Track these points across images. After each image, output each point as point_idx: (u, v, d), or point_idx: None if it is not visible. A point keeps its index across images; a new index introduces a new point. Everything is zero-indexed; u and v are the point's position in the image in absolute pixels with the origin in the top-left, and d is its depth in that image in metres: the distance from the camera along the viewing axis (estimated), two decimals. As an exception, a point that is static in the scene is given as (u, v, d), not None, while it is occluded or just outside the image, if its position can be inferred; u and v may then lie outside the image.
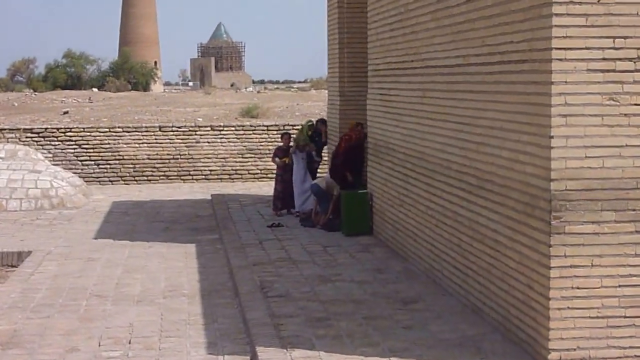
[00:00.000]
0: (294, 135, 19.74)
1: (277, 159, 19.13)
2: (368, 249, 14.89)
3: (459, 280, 11.19)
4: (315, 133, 19.62)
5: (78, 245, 16.29)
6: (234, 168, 26.40)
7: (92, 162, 25.87)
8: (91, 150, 25.89)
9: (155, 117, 35.91)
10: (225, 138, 26.60)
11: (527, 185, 8.97)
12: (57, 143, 25.77)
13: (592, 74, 8.43)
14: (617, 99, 8.48)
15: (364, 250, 14.81)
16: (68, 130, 26.07)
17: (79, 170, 25.44)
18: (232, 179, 26.30)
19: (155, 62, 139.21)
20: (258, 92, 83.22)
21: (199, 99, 54.68)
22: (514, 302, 9.41)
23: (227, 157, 26.47)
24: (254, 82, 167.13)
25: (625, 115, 8.48)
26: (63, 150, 25.75)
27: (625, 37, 8.44)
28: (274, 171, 19.98)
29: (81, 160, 25.81)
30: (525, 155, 9.03)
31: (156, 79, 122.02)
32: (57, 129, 26.14)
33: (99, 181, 25.73)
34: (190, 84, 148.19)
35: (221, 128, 26.81)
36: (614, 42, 8.44)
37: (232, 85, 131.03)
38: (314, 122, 20.10)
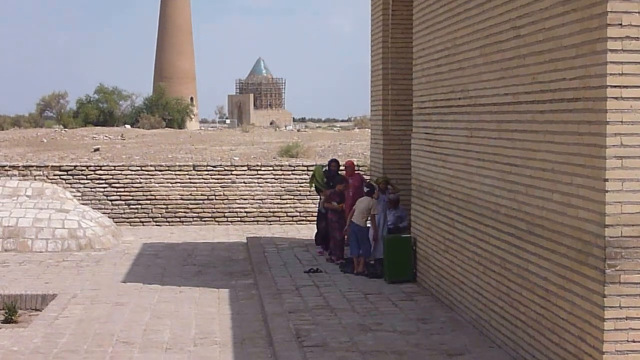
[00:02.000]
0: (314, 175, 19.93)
1: (334, 204, 18.61)
2: (411, 297, 14.84)
3: (507, 332, 11.11)
4: (329, 177, 19.72)
5: (105, 288, 16.40)
6: (271, 210, 26.47)
7: (123, 202, 26.07)
8: (122, 190, 26.11)
9: (189, 155, 36.13)
10: (263, 178, 26.71)
11: (580, 230, 8.92)
12: (86, 181, 26.03)
13: (650, 113, 8.40)
14: (676, 140, 8.42)
15: (407, 299, 14.76)
16: (98, 168, 26.33)
17: (109, 210, 25.66)
18: (269, 221, 26.36)
19: (192, 98, 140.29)
20: (298, 130, 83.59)
21: (236, 137, 54.99)
22: (565, 356, 9.32)
23: (264, 198, 26.56)
24: (294, 120, 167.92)
25: (685, 157, 8.43)
26: (92, 189, 26.00)
27: (685, 75, 8.40)
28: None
29: (111, 200, 26.03)
30: (578, 199, 8.98)
31: (192, 116, 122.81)
32: (87, 166, 26.41)
33: (129, 222, 25.91)
34: (228, 121, 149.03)
35: (258, 168, 26.92)
36: (673, 79, 8.41)
37: (271, 123, 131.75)
38: (327, 166, 20.25)
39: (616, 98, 8.39)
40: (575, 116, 9.05)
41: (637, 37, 8.37)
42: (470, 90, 12.63)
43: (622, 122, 8.39)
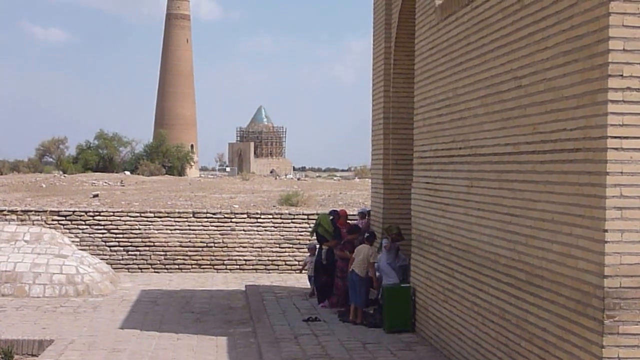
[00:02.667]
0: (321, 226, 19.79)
1: (347, 252, 18.37)
2: (410, 347, 14.82)
3: (506, 383, 11.10)
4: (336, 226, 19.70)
5: (103, 334, 16.37)
6: (270, 258, 26.48)
7: (121, 248, 26.10)
8: (120, 236, 26.14)
9: (189, 202, 36.20)
10: (262, 226, 26.75)
11: (579, 281, 8.96)
12: (84, 227, 26.06)
13: (650, 164, 8.47)
14: (676, 192, 8.48)
15: (405, 348, 14.74)
16: (97, 213, 26.38)
17: (107, 256, 25.66)
18: (268, 269, 26.36)
19: (192, 146, 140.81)
20: (298, 179, 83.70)
21: (236, 185, 55.10)
22: (564, 407, 9.31)
23: (264, 247, 26.58)
24: (294, 168, 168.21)
25: (685, 209, 8.48)
26: (91, 235, 26.02)
27: (685, 127, 8.48)
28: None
29: (109, 246, 26.05)
30: (577, 249, 9.03)
31: (192, 163, 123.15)
32: (86, 212, 26.46)
33: (127, 268, 25.91)
34: (228, 169, 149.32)
35: (258, 216, 26.96)
36: (673, 131, 8.49)
37: (271, 172, 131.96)
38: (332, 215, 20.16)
39: (616, 149, 8.46)
40: (576, 166, 9.12)
41: (638, 89, 8.47)
42: (471, 140, 12.72)
43: (622, 172, 8.46)
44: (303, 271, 21.69)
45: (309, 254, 21.12)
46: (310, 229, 26.11)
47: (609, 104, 8.45)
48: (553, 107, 9.71)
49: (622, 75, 8.43)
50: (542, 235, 9.96)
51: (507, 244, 11.08)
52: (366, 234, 17.79)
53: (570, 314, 9.18)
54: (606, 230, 8.45)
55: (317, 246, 20.13)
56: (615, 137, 8.45)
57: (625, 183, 8.46)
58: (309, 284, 21.01)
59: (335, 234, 19.34)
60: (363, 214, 21.17)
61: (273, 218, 26.89)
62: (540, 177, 10.10)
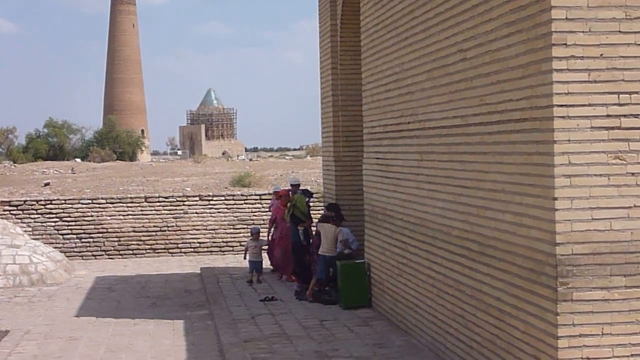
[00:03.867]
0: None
1: None
2: (367, 323, 14.84)
3: (463, 353, 11.14)
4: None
5: (59, 323, 16.23)
6: (224, 240, 26.41)
7: (74, 236, 25.87)
8: (73, 223, 25.90)
9: (141, 187, 35.96)
10: (215, 208, 26.66)
11: (532, 250, 8.99)
12: (36, 216, 25.80)
13: (597, 131, 8.50)
14: (623, 158, 8.53)
15: (363, 324, 14.75)
16: (48, 202, 26.12)
17: (60, 245, 25.44)
18: (223, 251, 26.28)
19: (143, 131, 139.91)
20: (250, 160, 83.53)
21: (188, 168, 54.87)
22: (521, 375, 9.36)
23: (217, 229, 26.50)
24: (246, 150, 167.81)
25: (633, 174, 8.53)
26: (43, 224, 25.76)
27: (630, 93, 8.52)
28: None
29: (62, 234, 25.81)
30: (529, 218, 9.06)
31: (143, 148, 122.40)
32: (37, 201, 26.19)
33: (81, 256, 25.70)
34: (179, 152, 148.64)
35: (210, 198, 26.87)
36: (618, 97, 8.52)
37: (223, 154, 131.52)
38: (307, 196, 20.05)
39: (563, 117, 8.47)
40: (524, 136, 9.13)
41: (582, 57, 8.48)
42: (419, 114, 12.71)
43: (569, 140, 8.47)
44: (245, 257, 20.61)
45: (251, 237, 20.69)
46: (262, 209, 26.13)
47: (554, 73, 8.45)
48: (499, 78, 9.71)
49: (565, 44, 8.44)
50: (494, 205, 9.97)
51: (460, 215, 11.10)
52: (331, 213, 17.68)
53: (524, 283, 9.21)
54: (556, 199, 8.47)
55: (259, 230, 20.74)
56: (562, 106, 8.46)
57: (572, 151, 8.48)
58: (249, 268, 20.16)
59: (308, 214, 19.35)
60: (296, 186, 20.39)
61: (225, 200, 26.81)
62: (489, 148, 10.10)
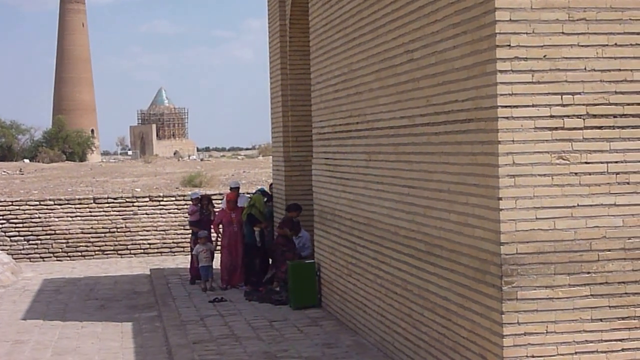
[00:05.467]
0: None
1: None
2: (317, 323, 14.89)
3: (411, 352, 11.23)
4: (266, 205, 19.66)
5: (5, 326, 16.11)
6: (175, 241, 26.31)
7: (22, 238, 25.64)
8: (20, 225, 25.67)
9: (90, 188, 35.77)
10: (165, 209, 26.56)
11: (477, 249, 9.09)
12: (-17, 218, 25.54)
13: (540, 132, 8.61)
14: (566, 158, 8.65)
15: (312, 324, 14.81)
16: (-5, 204, 25.86)
17: (8, 247, 25.22)
18: (173, 252, 26.20)
19: (92, 130, 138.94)
20: (202, 160, 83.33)
21: (138, 169, 54.62)
22: (467, 374, 9.45)
23: (168, 229, 26.40)
24: (198, 149, 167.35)
25: (576, 174, 8.66)
26: (-10, 226, 25.50)
27: (573, 94, 8.64)
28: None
29: (9, 236, 25.58)
30: (474, 218, 9.15)
31: (93, 149, 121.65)
32: (-17, 203, 25.92)
33: (29, 258, 25.49)
34: (130, 152, 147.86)
35: (160, 198, 26.77)
36: (561, 98, 8.64)
37: (175, 154, 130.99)
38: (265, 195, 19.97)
39: (507, 118, 8.58)
40: (469, 137, 9.23)
41: (526, 58, 8.59)
42: (367, 114, 12.78)
43: (513, 141, 8.58)
44: (196, 264, 19.46)
45: (199, 242, 19.30)
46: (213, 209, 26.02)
47: (498, 74, 8.55)
48: (445, 79, 9.80)
49: (509, 46, 8.54)
50: (439, 205, 10.07)
51: (406, 215, 11.18)
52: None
53: (469, 282, 9.31)
54: (500, 198, 8.58)
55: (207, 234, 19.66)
56: (506, 107, 8.56)
57: (517, 151, 8.59)
58: (202, 275, 19.11)
59: (268, 214, 19.26)
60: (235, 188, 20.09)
61: (176, 200, 26.72)
62: (435, 149, 10.19)
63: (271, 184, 21.20)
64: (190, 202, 20.98)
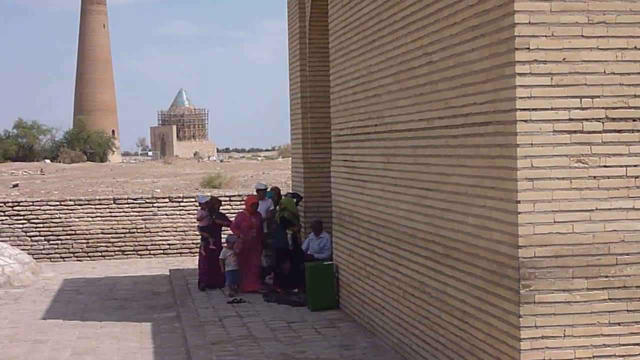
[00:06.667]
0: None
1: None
2: (334, 324, 14.88)
3: (428, 355, 11.21)
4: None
5: (25, 326, 16.16)
6: (194, 242, 26.29)
7: (42, 238, 25.74)
8: (41, 225, 25.77)
9: (110, 189, 35.84)
10: (185, 210, 26.59)
11: (495, 252, 9.05)
12: (4, 218, 25.63)
13: (559, 135, 8.58)
14: (585, 161, 8.61)
15: (330, 326, 14.79)
16: (16, 204, 25.96)
17: (28, 247, 25.30)
18: (193, 253, 26.17)
19: (113, 131, 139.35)
20: (221, 161, 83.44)
21: (158, 169, 54.73)
22: (484, 377, 9.42)
23: (187, 230, 26.43)
24: (218, 150, 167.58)
25: (595, 177, 8.62)
26: (10, 226, 25.60)
27: (592, 97, 8.60)
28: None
29: (30, 236, 25.68)
30: (491, 221, 9.12)
31: (114, 149, 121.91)
32: (4, 202, 26.02)
33: (49, 258, 25.57)
34: (150, 153, 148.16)
35: (180, 199, 26.80)
36: (580, 101, 8.60)
37: (194, 155, 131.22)
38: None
39: (525, 121, 8.54)
40: (487, 140, 9.20)
41: (545, 61, 8.55)
42: (386, 116, 12.76)
43: (532, 144, 8.54)
44: (224, 269, 18.71)
45: (226, 246, 18.86)
46: (232, 210, 26.05)
47: (517, 77, 8.52)
48: (463, 82, 9.78)
49: (528, 48, 8.51)
50: (457, 208, 10.04)
51: (424, 218, 11.16)
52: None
53: (487, 285, 9.28)
54: (518, 202, 8.54)
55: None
56: (524, 110, 8.53)
57: (535, 154, 8.55)
58: (227, 281, 18.64)
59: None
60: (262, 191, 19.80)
61: (196, 201, 26.69)
62: (453, 152, 10.17)
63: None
64: (199, 207, 20.40)
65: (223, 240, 19.43)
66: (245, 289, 18.44)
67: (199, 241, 20.48)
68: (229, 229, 19.63)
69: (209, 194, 26.36)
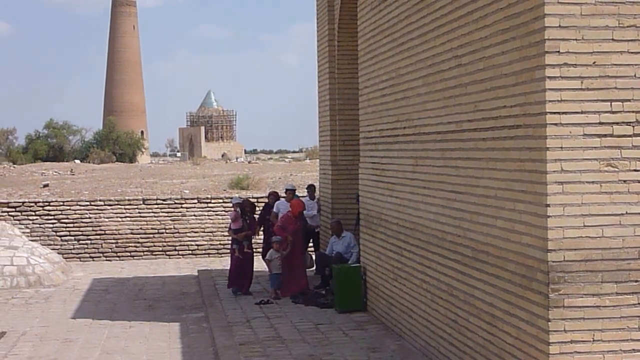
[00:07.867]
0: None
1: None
2: (362, 326, 14.85)
3: (456, 358, 11.15)
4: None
5: (55, 325, 16.24)
6: (222, 242, 26.35)
7: (72, 238, 25.86)
8: (71, 225, 25.89)
9: (139, 189, 36.01)
10: (213, 211, 26.63)
11: (524, 256, 9.00)
12: (35, 218, 25.79)
13: (589, 139, 8.52)
14: (615, 165, 8.55)
15: (357, 328, 14.76)
16: (47, 204, 26.09)
17: (58, 246, 25.43)
18: (220, 254, 26.24)
19: (142, 132, 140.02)
20: (249, 162, 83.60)
21: (186, 170, 54.91)
22: (513, 381, 9.37)
23: (215, 231, 26.47)
24: (246, 152, 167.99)
25: (625, 181, 8.55)
26: (41, 225, 25.75)
27: (622, 100, 8.54)
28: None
29: (60, 236, 25.80)
30: (521, 224, 9.07)
31: (143, 150, 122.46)
32: (35, 202, 26.16)
33: (79, 257, 25.69)
34: (179, 154, 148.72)
35: (208, 200, 26.85)
36: (611, 105, 8.55)
37: (222, 156, 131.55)
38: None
39: (556, 124, 8.50)
40: (516, 143, 9.15)
41: (575, 64, 8.50)
42: (414, 119, 12.72)
43: (562, 148, 8.50)
44: (271, 270, 18.34)
45: (274, 247, 18.26)
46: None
47: (547, 81, 8.47)
48: (493, 85, 9.73)
49: (559, 52, 8.46)
50: (486, 211, 9.99)
51: (453, 221, 11.12)
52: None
53: (516, 289, 9.23)
54: (548, 205, 8.49)
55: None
56: (554, 113, 8.48)
57: (565, 158, 8.50)
58: (271, 284, 18.31)
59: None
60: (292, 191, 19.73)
61: (223, 202, 26.77)
62: (482, 154, 10.12)
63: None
64: (232, 208, 20.03)
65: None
66: (290, 292, 17.95)
67: (230, 243, 19.93)
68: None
69: (237, 194, 26.39)
